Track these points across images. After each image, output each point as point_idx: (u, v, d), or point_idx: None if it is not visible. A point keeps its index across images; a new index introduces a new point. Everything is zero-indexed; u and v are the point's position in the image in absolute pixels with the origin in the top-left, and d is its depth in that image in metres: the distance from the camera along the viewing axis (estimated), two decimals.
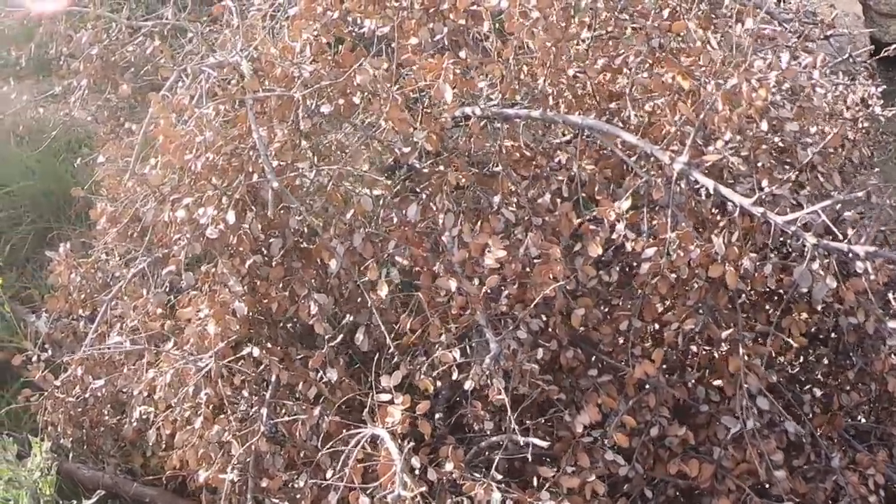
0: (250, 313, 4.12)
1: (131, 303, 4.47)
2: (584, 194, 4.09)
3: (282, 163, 3.98)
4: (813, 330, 4.08)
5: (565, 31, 3.82)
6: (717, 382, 3.98)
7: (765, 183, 3.62)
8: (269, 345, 4.20)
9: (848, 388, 4.14)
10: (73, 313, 4.87)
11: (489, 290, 3.64)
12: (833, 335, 4.19)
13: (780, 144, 3.92)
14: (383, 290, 3.67)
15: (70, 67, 5.10)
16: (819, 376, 4.29)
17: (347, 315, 4.23)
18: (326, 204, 3.95)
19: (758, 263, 3.53)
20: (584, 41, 4.25)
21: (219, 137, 3.99)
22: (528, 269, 3.71)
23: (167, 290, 4.35)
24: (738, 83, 3.45)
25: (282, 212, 4.01)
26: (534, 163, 4.08)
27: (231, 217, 3.92)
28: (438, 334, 3.68)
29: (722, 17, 4.50)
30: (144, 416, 4.29)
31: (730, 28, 4.48)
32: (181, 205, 4.04)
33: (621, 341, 3.87)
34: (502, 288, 3.63)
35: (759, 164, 3.62)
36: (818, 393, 4.17)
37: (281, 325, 4.27)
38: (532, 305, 3.55)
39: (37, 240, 5.75)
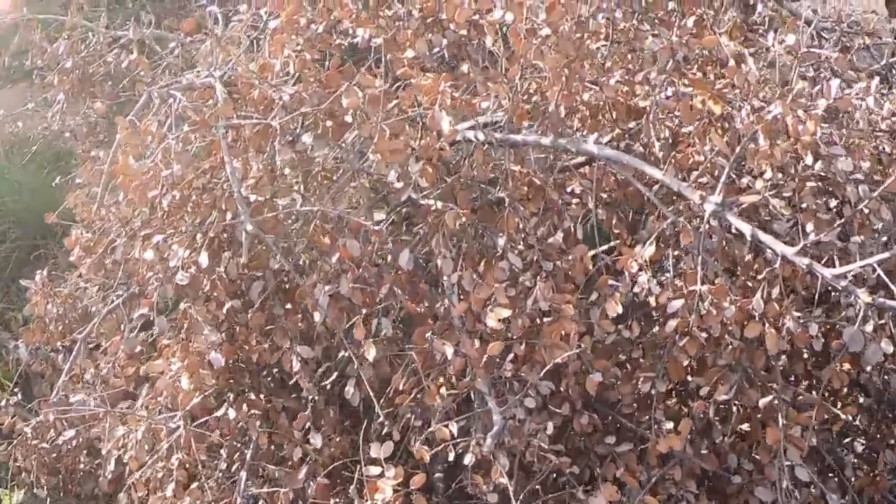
0: (231, 361, 3.49)
1: (105, 344, 3.87)
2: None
3: (259, 198, 3.32)
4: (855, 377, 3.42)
5: (579, 49, 3.12)
6: (745, 426, 3.34)
7: (809, 226, 2.93)
8: (251, 395, 3.56)
9: (892, 442, 3.47)
10: (51, 345, 4.27)
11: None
12: (874, 380, 3.52)
13: (822, 173, 3.22)
14: (371, 353, 3.02)
15: (44, 81, 4.44)
16: (859, 423, 3.63)
17: (340, 352, 3.59)
18: (310, 245, 3.29)
19: (802, 322, 2.85)
20: (600, 49, 3.55)
21: (189, 170, 3.33)
22: (538, 322, 3.05)
23: (143, 328, 3.71)
24: (783, 114, 2.75)
25: (262, 248, 3.37)
26: (543, 194, 3.39)
27: (204, 260, 3.28)
28: (435, 397, 3.03)
29: (754, 27, 3.79)
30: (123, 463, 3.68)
31: (762, 36, 3.78)
32: (151, 243, 3.40)
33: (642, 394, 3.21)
34: (507, 348, 2.97)
35: (804, 206, 2.93)
36: (860, 447, 3.52)
37: (265, 372, 3.63)
38: (542, 372, 2.88)
39: (22, 258, 5.12)
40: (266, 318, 3.41)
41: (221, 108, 3.30)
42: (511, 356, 2.98)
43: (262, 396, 3.52)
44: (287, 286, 3.46)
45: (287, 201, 3.31)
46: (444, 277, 3.15)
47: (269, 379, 3.63)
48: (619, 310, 2.92)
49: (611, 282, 2.95)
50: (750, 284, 3.13)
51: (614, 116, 3.50)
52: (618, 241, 3.52)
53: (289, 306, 3.40)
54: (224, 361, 3.37)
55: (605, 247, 3.57)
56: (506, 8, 3.15)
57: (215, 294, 3.35)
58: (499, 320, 2.87)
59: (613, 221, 3.54)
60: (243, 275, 3.39)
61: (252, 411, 3.50)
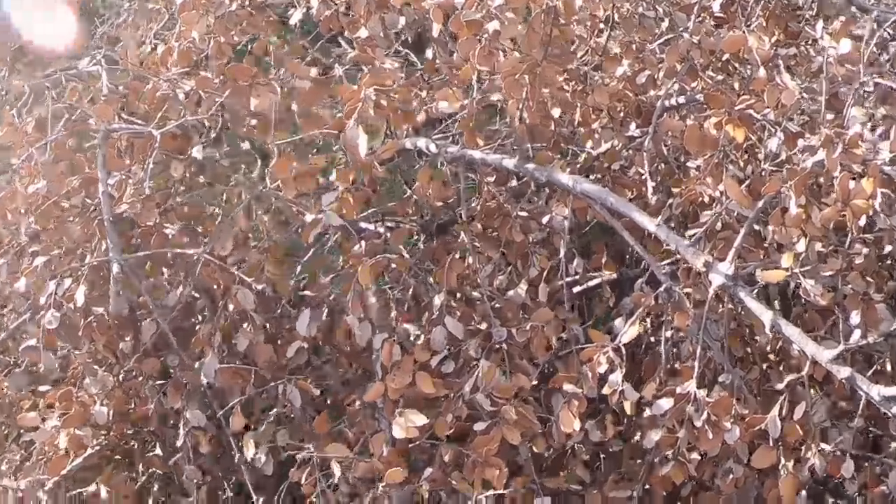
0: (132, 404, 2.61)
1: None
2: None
3: (144, 225, 2.38)
4: None
5: (549, 47, 2.07)
6: None
7: (855, 316, 1.89)
8: (157, 448, 2.69)
9: None
10: None
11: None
12: None
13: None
14: (250, 451, 2.10)
15: None
16: None
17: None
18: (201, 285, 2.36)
19: (832, 452, 1.84)
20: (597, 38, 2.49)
21: (64, 183, 2.40)
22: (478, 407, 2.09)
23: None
24: (829, 168, 1.70)
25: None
26: (508, 224, 2.37)
27: (80, 297, 2.37)
28: None
29: (799, 12, 2.67)
30: None
31: (808, 24, 2.66)
32: (30, 267, 2.51)
33: None
34: (430, 453, 2.03)
35: (850, 287, 1.88)
36: None
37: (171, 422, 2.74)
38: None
39: None
40: (161, 364, 2.52)
41: (100, 109, 2.36)
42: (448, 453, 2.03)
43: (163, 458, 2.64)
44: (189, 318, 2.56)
45: (176, 229, 2.37)
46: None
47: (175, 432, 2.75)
48: (576, 426, 1.93)
49: (567, 386, 1.95)
50: (768, 369, 2.12)
51: (620, 113, 2.45)
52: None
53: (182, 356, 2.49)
54: (108, 416, 2.50)
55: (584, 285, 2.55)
56: None
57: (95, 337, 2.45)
58: (408, 430, 1.91)
59: (603, 260, 2.52)
60: (136, 309, 2.50)
61: (152, 470, 2.65)
